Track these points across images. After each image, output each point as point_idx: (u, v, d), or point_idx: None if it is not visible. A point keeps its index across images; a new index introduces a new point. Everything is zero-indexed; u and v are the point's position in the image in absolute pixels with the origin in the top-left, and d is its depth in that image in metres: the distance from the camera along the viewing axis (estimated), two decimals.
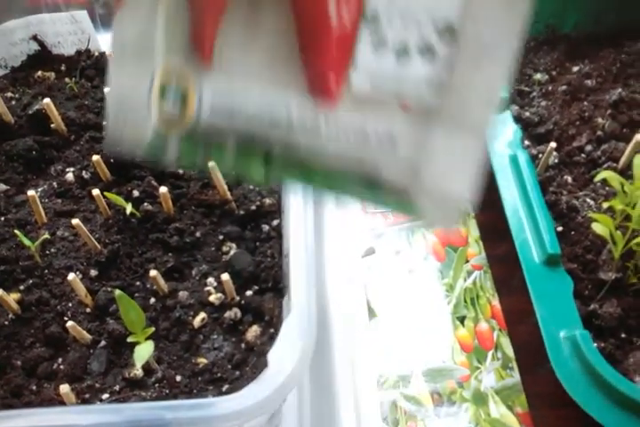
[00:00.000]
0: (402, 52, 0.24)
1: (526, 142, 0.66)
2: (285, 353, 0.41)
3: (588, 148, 0.65)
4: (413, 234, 0.69)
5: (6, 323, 0.51)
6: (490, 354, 0.60)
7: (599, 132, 0.66)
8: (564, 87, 0.71)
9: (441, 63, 0.24)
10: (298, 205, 0.53)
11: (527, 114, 0.69)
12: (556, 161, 0.65)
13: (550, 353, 0.46)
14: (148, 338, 0.45)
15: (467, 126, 0.24)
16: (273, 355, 0.41)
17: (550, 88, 0.72)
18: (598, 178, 0.54)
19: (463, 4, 0.22)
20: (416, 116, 0.25)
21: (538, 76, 0.74)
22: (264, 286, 0.53)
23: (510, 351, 0.60)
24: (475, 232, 0.68)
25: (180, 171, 0.61)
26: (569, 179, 0.63)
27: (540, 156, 0.64)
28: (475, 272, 0.66)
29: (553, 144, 0.62)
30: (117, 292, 0.43)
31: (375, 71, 0.24)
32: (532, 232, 0.53)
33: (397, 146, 0.25)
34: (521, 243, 0.52)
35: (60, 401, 0.45)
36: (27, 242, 0.53)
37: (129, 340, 0.45)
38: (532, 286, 0.50)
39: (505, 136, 0.63)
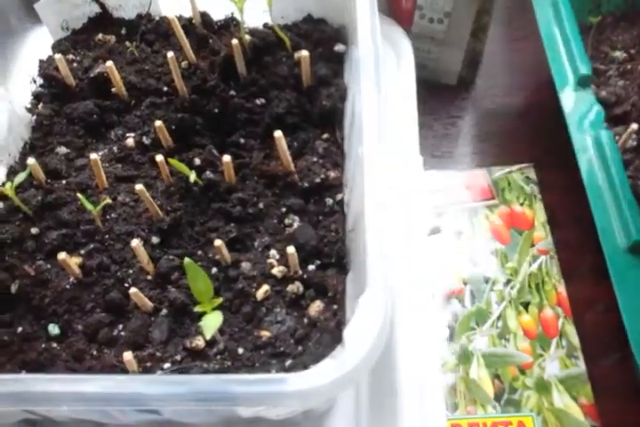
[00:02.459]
0: None
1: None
2: (362, 333, 0.39)
3: None
4: (476, 214, 0.67)
5: (67, 287, 0.50)
6: (554, 342, 0.58)
7: None
8: None
9: None
10: (361, 181, 0.50)
11: (603, 93, 0.65)
12: (634, 144, 0.61)
13: (634, 347, 0.44)
14: (213, 309, 0.43)
15: None
16: (349, 333, 0.39)
17: (629, 67, 0.68)
18: None
19: None
20: None
21: (616, 53, 0.70)
22: (327, 261, 0.51)
23: (576, 340, 0.58)
24: (541, 216, 0.66)
25: (242, 140, 0.59)
26: None
27: (617, 138, 0.61)
28: (540, 257, 0.63)
29: (635, 126, 0.58)
30: (186, 260, 0.42)
31: None
32: (615, 217, 0.50)
33: None
34: (603, 228, 0.49)
35: (121, 368, 0.45)
36: (89, 206, 0.52)
37: (196, 309, 0.44)
38: (615, 273, 0.47)
39: (586, 116, 0.59)
